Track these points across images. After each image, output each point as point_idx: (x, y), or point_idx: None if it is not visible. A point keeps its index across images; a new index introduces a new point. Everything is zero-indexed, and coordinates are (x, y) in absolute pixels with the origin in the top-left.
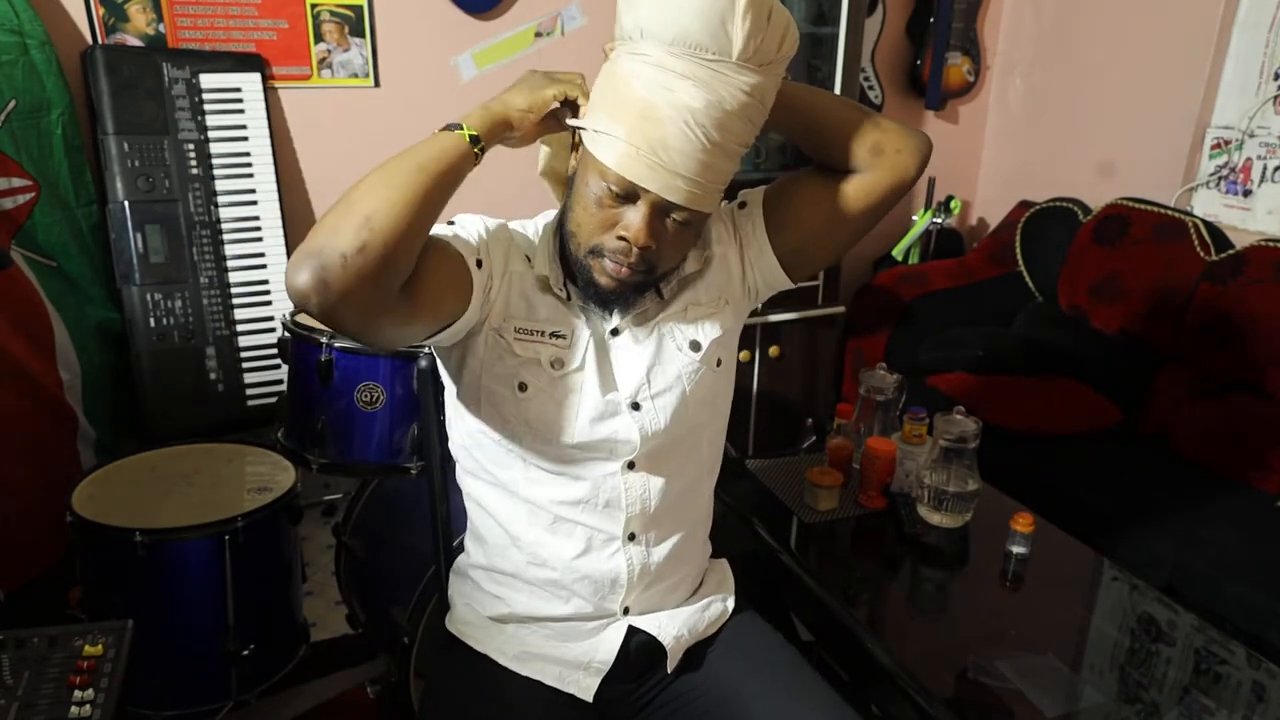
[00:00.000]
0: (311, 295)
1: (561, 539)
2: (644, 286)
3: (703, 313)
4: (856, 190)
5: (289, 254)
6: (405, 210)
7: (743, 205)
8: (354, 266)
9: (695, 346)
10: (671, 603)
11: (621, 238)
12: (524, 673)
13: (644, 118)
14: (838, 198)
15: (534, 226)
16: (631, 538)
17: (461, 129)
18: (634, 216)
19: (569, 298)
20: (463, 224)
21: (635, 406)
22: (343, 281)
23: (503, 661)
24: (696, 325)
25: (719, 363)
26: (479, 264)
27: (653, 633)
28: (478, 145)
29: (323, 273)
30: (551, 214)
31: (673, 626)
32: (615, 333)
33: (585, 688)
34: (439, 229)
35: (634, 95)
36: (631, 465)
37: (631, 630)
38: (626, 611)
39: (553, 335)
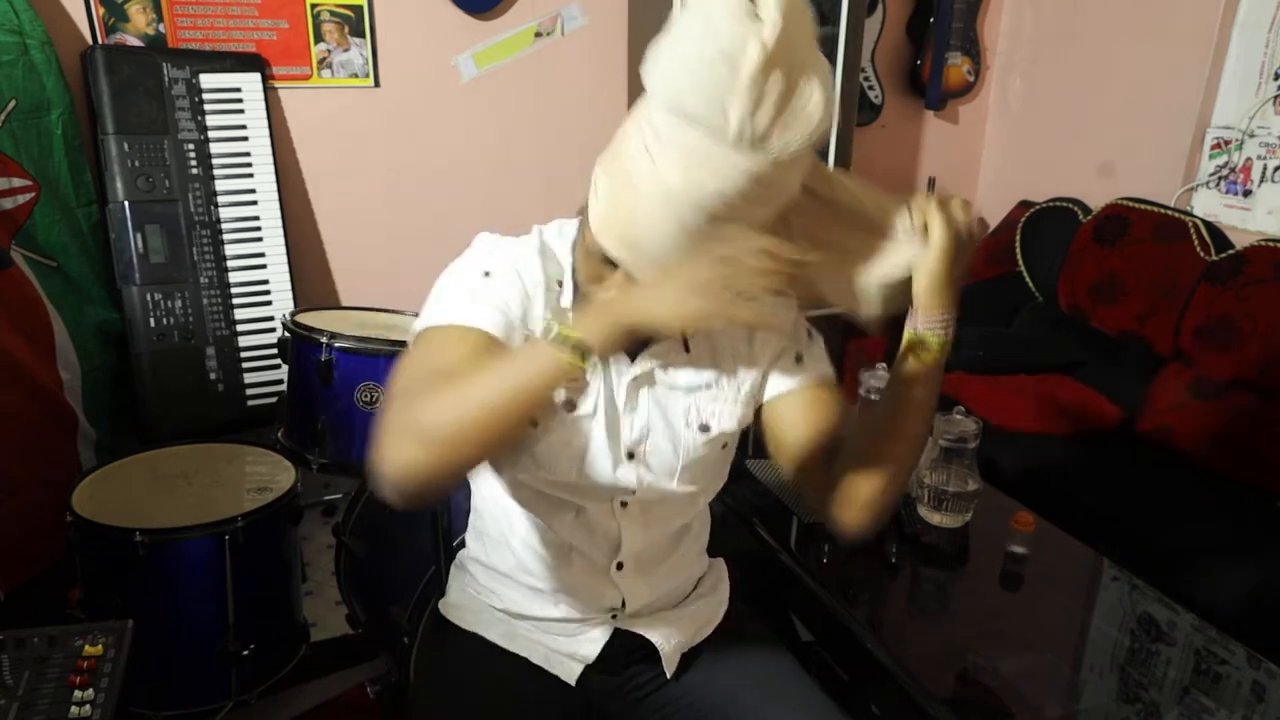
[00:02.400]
0: (391, 495)
1: (553, 557)
2: None
3: (725, 400)
4: (815, 490)
5: (289, 253)
6: (491, 443)
7: (799, 359)
8: (436, 486)
9: (704, 429)
10: (664, 605)
11: None
12: (511, 649)
13: (623, 186)
14: (803, 465)
15: (541, 250)
16: (620, 567)
17: (581, 346)
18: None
19: None
20: (482, 308)
21: (630, 455)
22: (420, 493)
23: (491, 638)
24: (714, 409)
25: (724, 445)
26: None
27: (646, 635)
28: (589, 359)
29: (401, 486)
30: (565, 229)
31: (667, 629)
32: (635, 380)
33: (569, 672)
34: (463, 319)
35: (621, 154)
36: (625, 504)
37: (620, 631)
38: (615, 616)
39: None
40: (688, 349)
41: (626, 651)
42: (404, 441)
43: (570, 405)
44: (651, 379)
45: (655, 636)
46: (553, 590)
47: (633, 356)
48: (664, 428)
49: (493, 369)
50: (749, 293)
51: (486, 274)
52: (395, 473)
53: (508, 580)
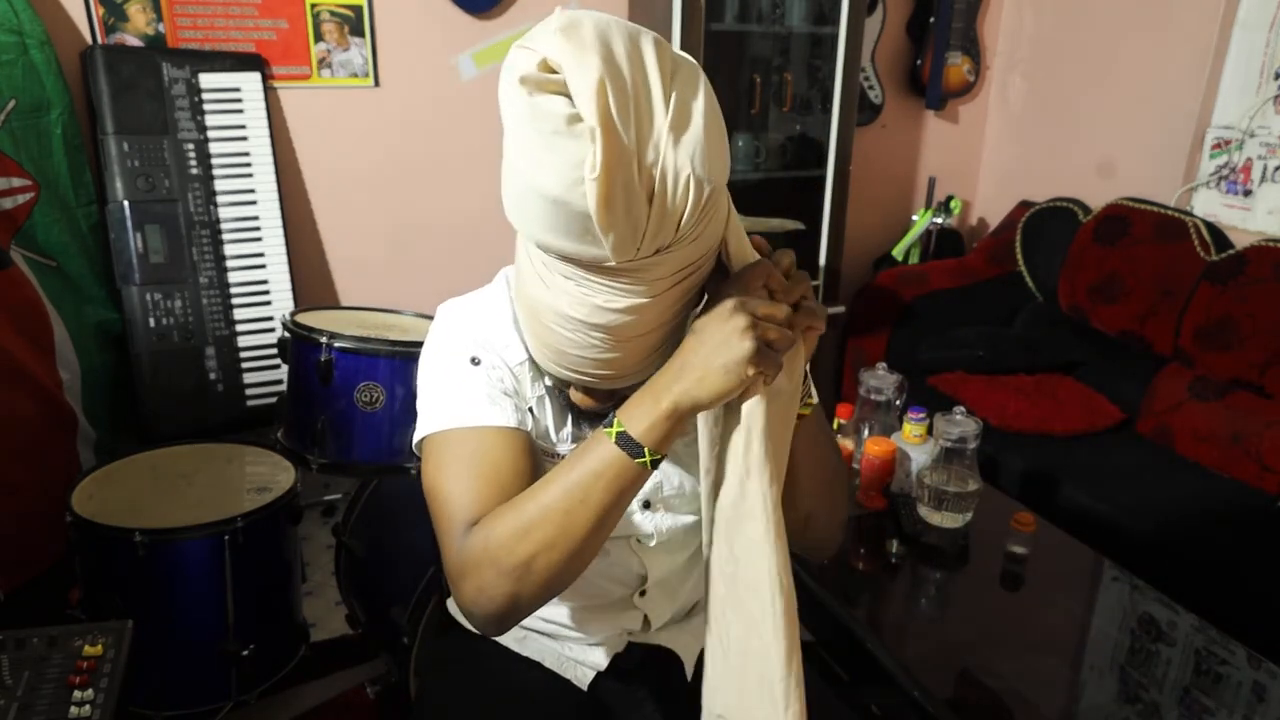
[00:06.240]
0: (486, 628)
1: (575, 592)
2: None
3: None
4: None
5: (289, 253)
6: (586, 559)
7: None
8: (534, 610)
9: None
10: (681, 614)
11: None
12: (524, 653)
13: (532, 314)
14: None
15: (515, 321)
16: (644, 593)
17: (643, 454)
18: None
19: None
20: (492, 407)
21: (647, 505)
22: (518, 620)
23: (502, 642)
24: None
25: None
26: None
27: (665, 645)
28: (656, 456)
29: (502, 621)
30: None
31: (685, 637)
32: None
33: (582, 677)
34: (479, 420)
35: (524, 277)
36: (646, 541)
37: (635, 645)
38: (635, 633)
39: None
40: None
41: (642, 657)
42: (497, 579)
43: None
44: None
45: (674, 644)
46: (575, 619)
47: None
48: (675, 470)
49: (566, 490)
50: (777, 344)
51: (474, 360)
52: (494, 610)
53: None
